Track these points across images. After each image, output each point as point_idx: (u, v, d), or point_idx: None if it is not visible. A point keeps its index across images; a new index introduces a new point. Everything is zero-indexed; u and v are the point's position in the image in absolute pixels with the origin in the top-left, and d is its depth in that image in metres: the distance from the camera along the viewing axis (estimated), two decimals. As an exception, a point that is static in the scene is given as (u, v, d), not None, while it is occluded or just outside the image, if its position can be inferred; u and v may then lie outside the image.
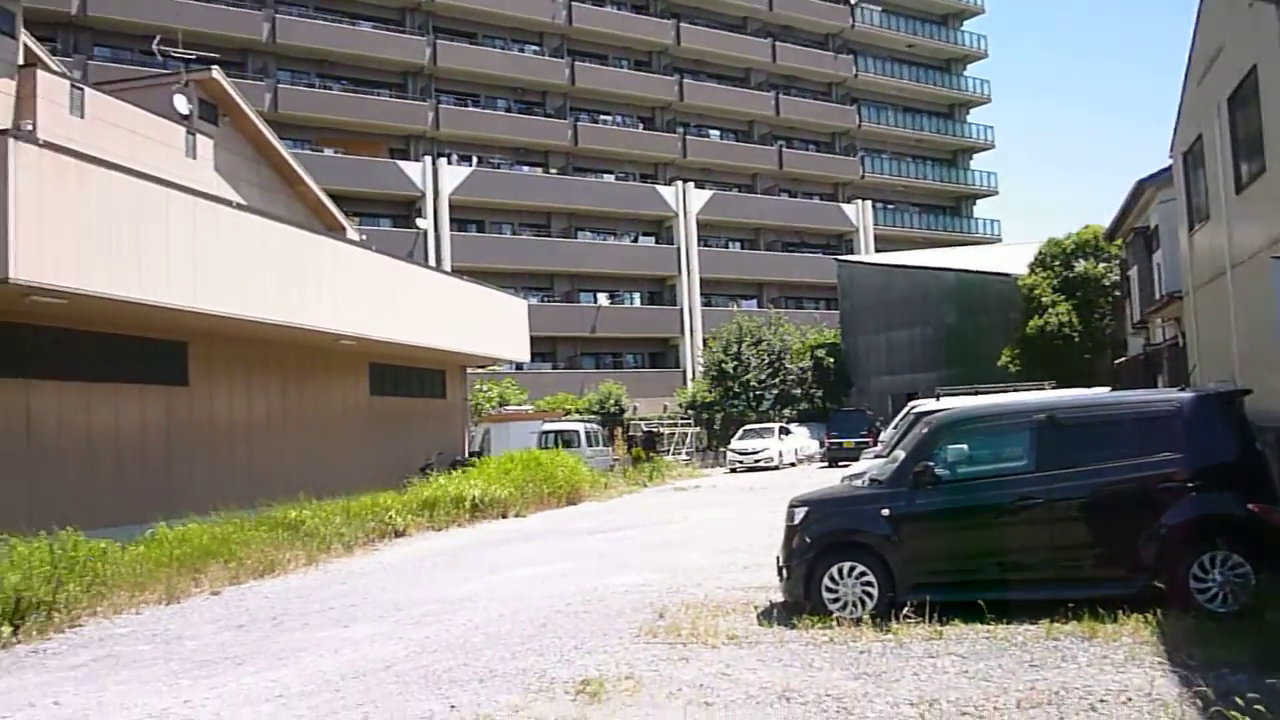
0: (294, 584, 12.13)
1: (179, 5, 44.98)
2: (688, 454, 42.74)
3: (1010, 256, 40.90)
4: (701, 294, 58.51)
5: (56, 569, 9.84)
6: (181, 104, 22.58)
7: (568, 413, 40.18)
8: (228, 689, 7.27)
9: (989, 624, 7.68)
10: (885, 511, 8.38)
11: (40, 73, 19.61)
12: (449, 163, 53.01)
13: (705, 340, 51.76)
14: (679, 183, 59.25)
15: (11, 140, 12.57)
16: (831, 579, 8.31)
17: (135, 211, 14.28)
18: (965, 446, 8.57)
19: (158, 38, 24.59)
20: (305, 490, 16.55)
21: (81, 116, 19.82)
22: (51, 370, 15.12)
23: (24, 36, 19.89)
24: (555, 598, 10.21)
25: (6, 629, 9.03)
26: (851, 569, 8.29)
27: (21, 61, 19.55)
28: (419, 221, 50.61)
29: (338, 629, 9.21)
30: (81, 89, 20.51)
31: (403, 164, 51.66)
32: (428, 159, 51.89)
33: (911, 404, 17.93)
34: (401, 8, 53.94)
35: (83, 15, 45.15)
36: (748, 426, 38.46)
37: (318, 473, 20.39)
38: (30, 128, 17.66)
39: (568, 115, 57.81)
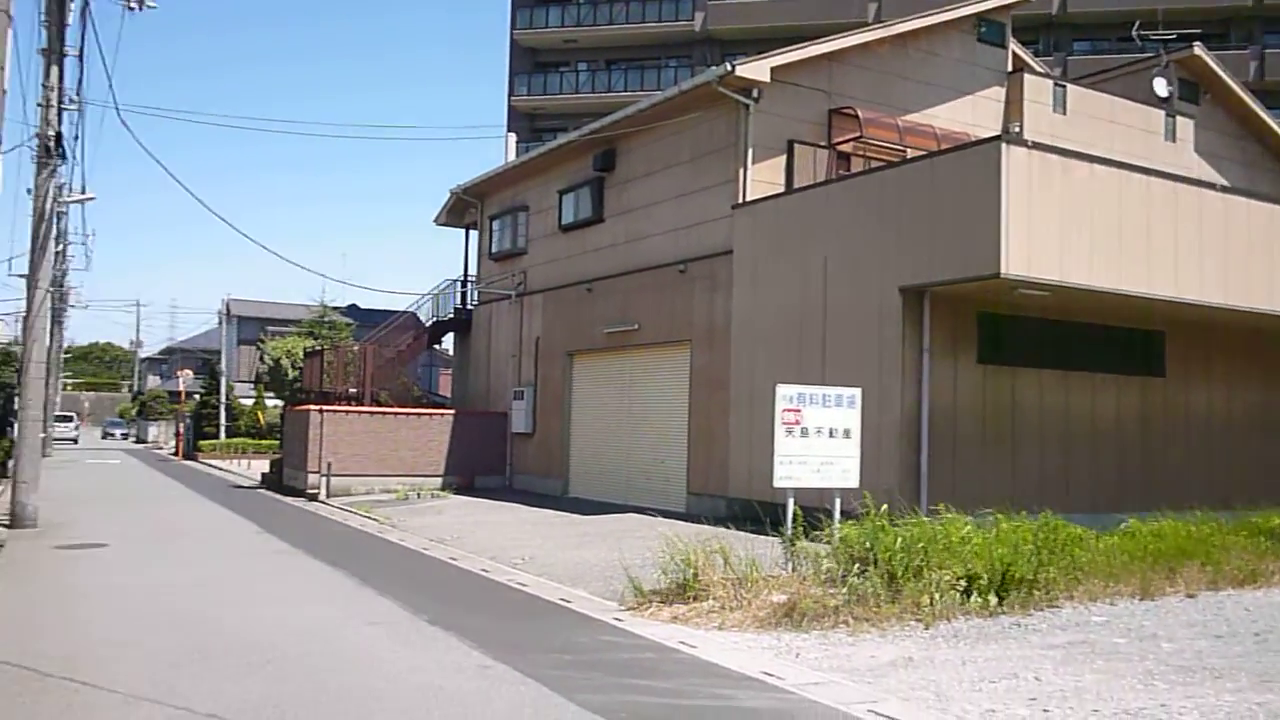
0: (1278, 599, 11.10)
1: (1158, -15, 44.07)
2: None
3: None
4: None
5: (1039, 549, 10.37)
6: (1160, 87, 22.11)
7: None
8: (1205, 702, 6.91)
9: None
10: None
11: (1026, 76, 20.85)
12: None
13: None
14: None
15: (1003, 144, 13.53)
16: None
17: (1115, 202, 14.34)
18: None
19: (1137, 23, 24.37)
20: (1291, 496, 15.07)
21: (1063, 113, 20.58)
22: (1032, 359, 15.99)
23: (1011, 44, 21.29)
24: None
25: (993, 599, 9.77)
26: None
27: (1009, 68, 20.96)
28: None
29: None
30: (1063, 86, 21.29)
31: None
32: None
33: None
34: None
35: (1062, 13, 46.84)
36: None
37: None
38: (1017, 130, 18.88)
39: None
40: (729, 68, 17.47)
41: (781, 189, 17.75)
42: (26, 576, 12.02)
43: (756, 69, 17.54)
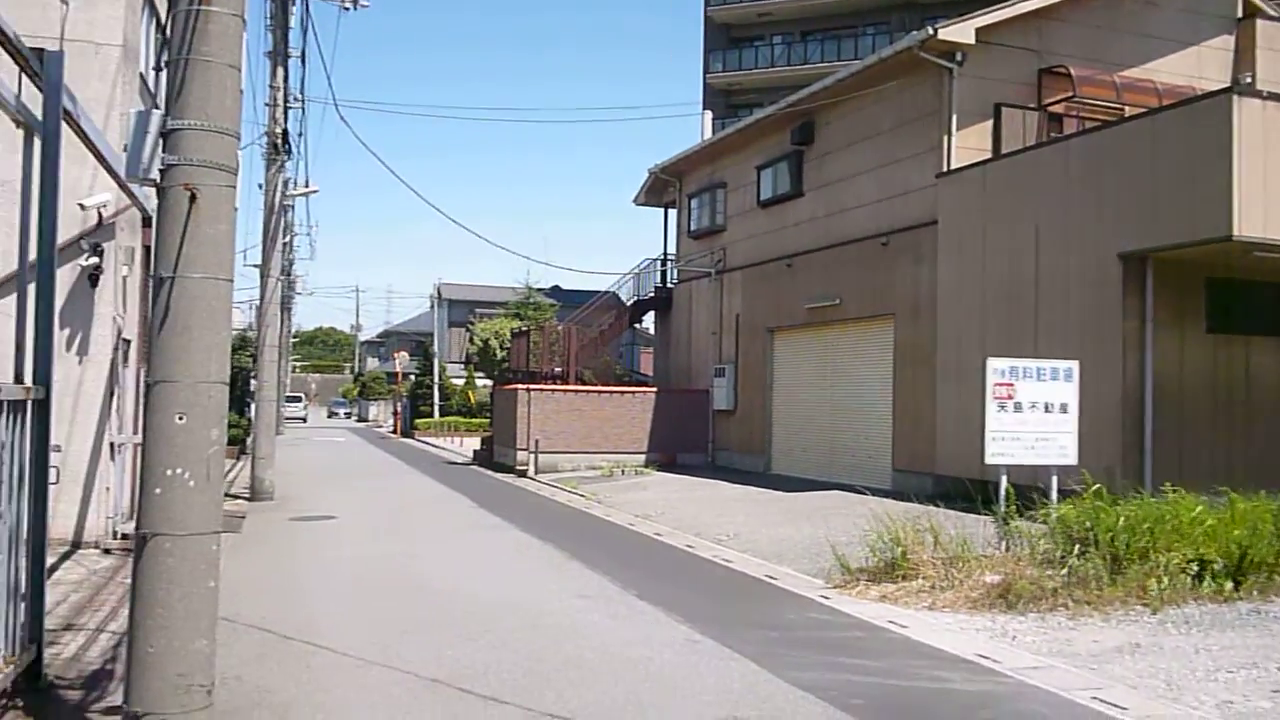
0: None
1: None
2: None
3: None
4: None
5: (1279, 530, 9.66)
6: None
7: None
8: None
9: None
10: None
11: (1259, 21, 19.35)
12: None
13: None
14: None
15: (1235, 96, 12.59)
16: None
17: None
18: None
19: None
20: None
21: (1304, 59, 18.99)
22: (1269, 327, 14.88)
23: (1244, -12, 19.75)
24: None
25: (1228, 584, 9.16)
26: None
27: (1239, 14, 19.49)
28: None
29: None
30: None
31: None
32: None
33: None
34: None
35: (1301, -50, 43.12)
36: None
37: None
38: (1250, 80, 17.54)
39: None
40: (931, 31, 16.92)
41: (988, 155, 17.08)
42: (266, 546, 12.92)
43: (960, 31, 16.92)
